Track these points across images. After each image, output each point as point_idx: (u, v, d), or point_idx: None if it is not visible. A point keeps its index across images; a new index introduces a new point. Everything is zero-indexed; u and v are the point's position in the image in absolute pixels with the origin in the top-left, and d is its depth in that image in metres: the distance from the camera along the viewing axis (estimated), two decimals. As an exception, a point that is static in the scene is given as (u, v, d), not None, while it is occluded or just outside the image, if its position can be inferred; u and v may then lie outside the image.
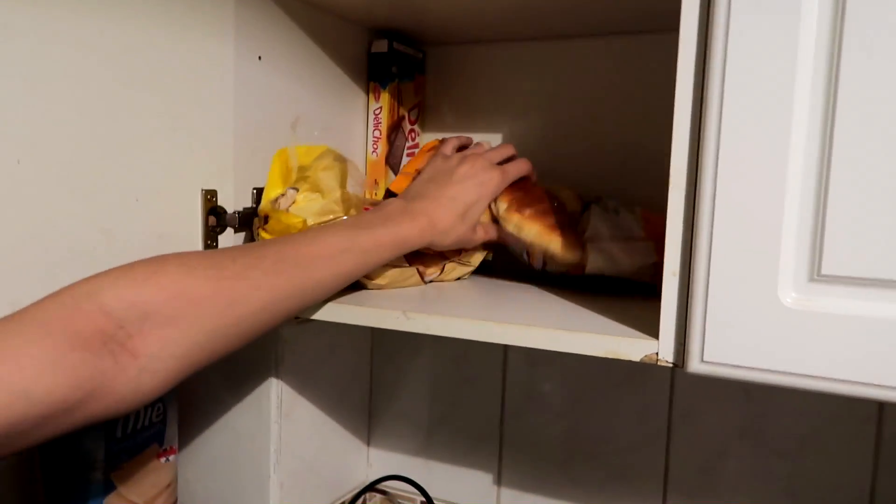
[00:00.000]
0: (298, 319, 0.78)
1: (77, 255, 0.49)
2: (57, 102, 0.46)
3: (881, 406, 0.68)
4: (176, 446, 0.80)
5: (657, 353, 0.45)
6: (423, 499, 0.90)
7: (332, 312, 0.57)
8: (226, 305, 0.43)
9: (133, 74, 0.50)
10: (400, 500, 0.95)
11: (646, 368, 0.78)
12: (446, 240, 0.61)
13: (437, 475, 0.91)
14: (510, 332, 0.49)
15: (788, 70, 0.39)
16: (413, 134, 0.84)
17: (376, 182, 0.80)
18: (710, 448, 0.76)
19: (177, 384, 0.45)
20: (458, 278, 0.74)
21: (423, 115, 0.87)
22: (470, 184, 0.62)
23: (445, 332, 0.51)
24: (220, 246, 0.60)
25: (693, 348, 0.43)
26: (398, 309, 0.54)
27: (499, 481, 0.88)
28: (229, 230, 0.60)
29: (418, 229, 0.58)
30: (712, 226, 0.42)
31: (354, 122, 0.80)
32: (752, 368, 0.41)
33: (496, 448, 0.88)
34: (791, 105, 0.39)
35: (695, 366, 0.43)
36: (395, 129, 0.81)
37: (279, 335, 0.77)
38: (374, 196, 0.80)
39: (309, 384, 0.82)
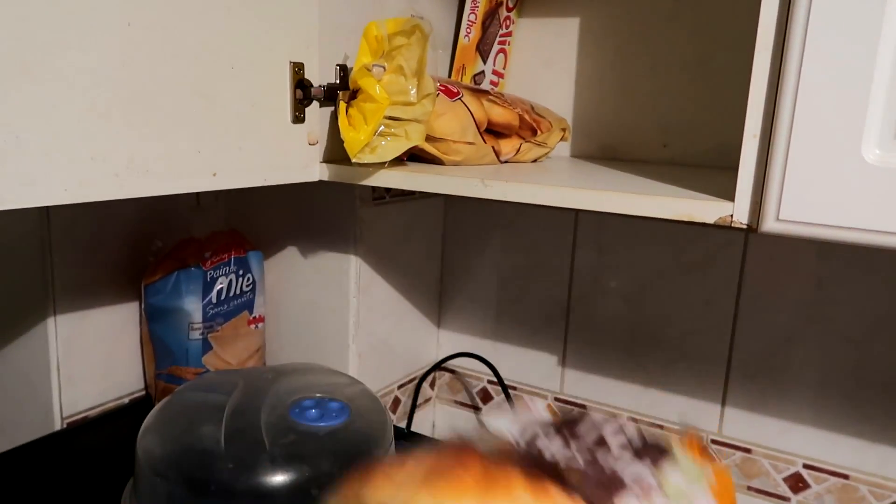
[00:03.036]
0: (375, 198, 0.82)
1: (183, 119, 0.53)
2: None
3: (959, 293, 0.67)
4: (264, 315, 0.86)
5: (731, 215, 0.46)
6: (491, 378, 0.95)
7: (412, 181, 0.60)
8: None
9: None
10: (467, 379, 1.00)
11: (715, 256, 0.79)
12: None
13: (503, 357, 0.96)
14: (586, 197, 0.51)
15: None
16: (508, 21, 0.83)
17: (464, 68, 0.80)
18: (776, 334, 0.77)
19: None
20: (535, 160, 0.76)
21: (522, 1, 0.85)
22: None
23: (521, 198, 0.53)
24: (306, 119, 0.63)
25: (769, 208, 0.44)
26: (476, 177, 0.56)
27: (563, 363, 0.92)
28: (315, 103, 0.63)
29: None
30: (798, 84, 0.42)
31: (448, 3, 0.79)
32: (829, 226, 0.42)
33: (562, 332, 0.91)
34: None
35: (769, 224, 0.44)
36: (491, 14, 0.80)
37: (357, 215, 0.81)
38: (460, 79, 0.80)
39: (385, 263, 0.87)
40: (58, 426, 0.77)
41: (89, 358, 0.78)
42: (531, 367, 0.94)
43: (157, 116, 0.51)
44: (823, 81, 0.41)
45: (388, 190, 0.84)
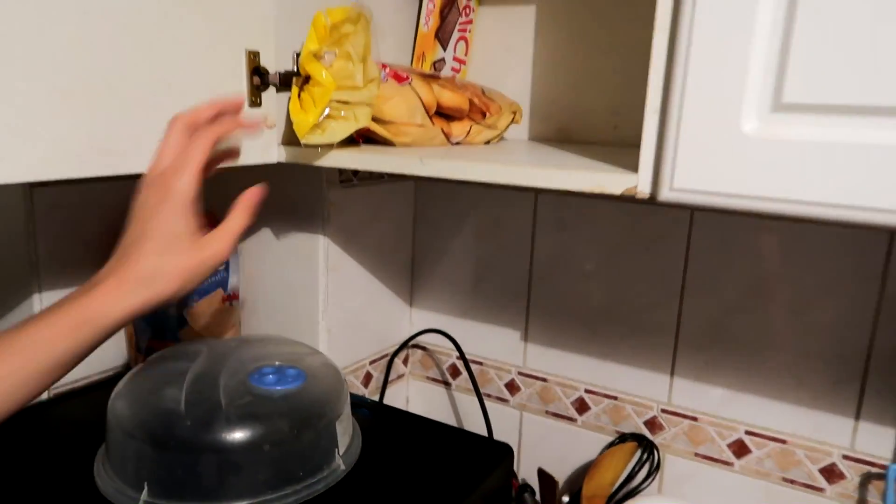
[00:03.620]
0: (342, 181, 0.86)
1: (142, 102, 0.57)
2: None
3: (886, 265, 0.71)
4: (239, 293, 0.91)
5: (636, 186, 0.50)
6: (458, 354, 1.00)
7: (357, 160, 0.64)
8: None
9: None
10: (438, 356, 1.05)
11: (663, 233, 0.82)
12: (166, 287, 0.50)
13: (470, 333, 1.00)
14: (508, 172, 0.55)
15: None
16: (468, 10, 0.87)
17: (424, 55, 0.84)
18: (720, 306, 0.81)
19: None
20: (487, 142, 0.80)
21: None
22: (147, 210, 0.51)
23: (453, 175, 0.58)
24: (263, 105, 0.67)
25: (664, 178, 0.48)
26: (415, 157, 0.60)
27: (525, 338, 0.96)
28: (272, 89, 0.67)
29: (102, 295, 0.48)
30: (686, 62, 0.45)
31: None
32: (714, 193, 0.46)
33: (524, 308, 0.95)
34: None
35: (664, 194, 0.48)
36: (450, 3, 0.84)
37: (325, 197, 0.85)
38: (420, 66, 0.85)
39: (354, 243, 0.91)
40: (44, 396, 0.82)
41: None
42: (496, 343, 0.99)
43: (117, 100, 0.55)
44: (706, 60, 0.45)
45: (355, 173, 0.89)
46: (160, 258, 0.49)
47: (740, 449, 0.81)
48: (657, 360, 0.86)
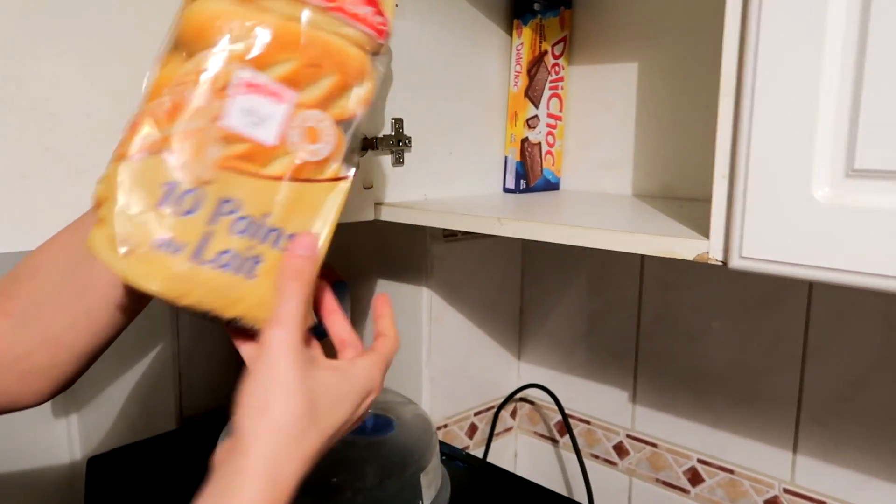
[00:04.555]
0: (446, 235, 0.89)
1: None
2: None
3: None
4: (349, 340, 0.96)
5: (708, 252, 0.48)
6: (567, 411, 0.98)
7: (438, 219, 0.67)
8: None
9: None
10: (546, 411, 1.03)
11: (780, 294, 0.76)
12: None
13: (577, 390, 0.98)
14: (578, 235, 0.55)
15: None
16: (557, 68, 0.89)
17: (516, 114, 0.86)
18: (848, 376, 0.73)
19: None
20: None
21: (570, 48, 0.90)
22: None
23: (528, 236, 0.58)
24: (360, 167, 0.72)
25: (734, 245, 0.45)
26: (493, 216, 0.62)
27: (634, 399, 0.92)
28: (368, 152, 0.72)
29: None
30: (751, 125, 0.43)
31: (491, 57, 0.87)
32: (786, 263, 0.43)
33: (632, 368, 0.92)
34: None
35: (735, 262, 0.45)
36: (536, 63, 0.86)
37: (429, 251, 0.89)
38: (514, 125, 0.86)
39: (457, 296, 0.94)
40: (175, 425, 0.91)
41: (204, 369, 0.93)
42: (604, 402, 0.96)
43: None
44: (773, 124, 0.42)
45: (459, 228, 0.92)
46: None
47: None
48: (777, 432, 0.79)
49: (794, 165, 0.42)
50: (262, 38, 0.42)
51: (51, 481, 0.85)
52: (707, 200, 0.81)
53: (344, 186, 0.47)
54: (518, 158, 0.87)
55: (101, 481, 0.82)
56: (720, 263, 0.48)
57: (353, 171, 0.47)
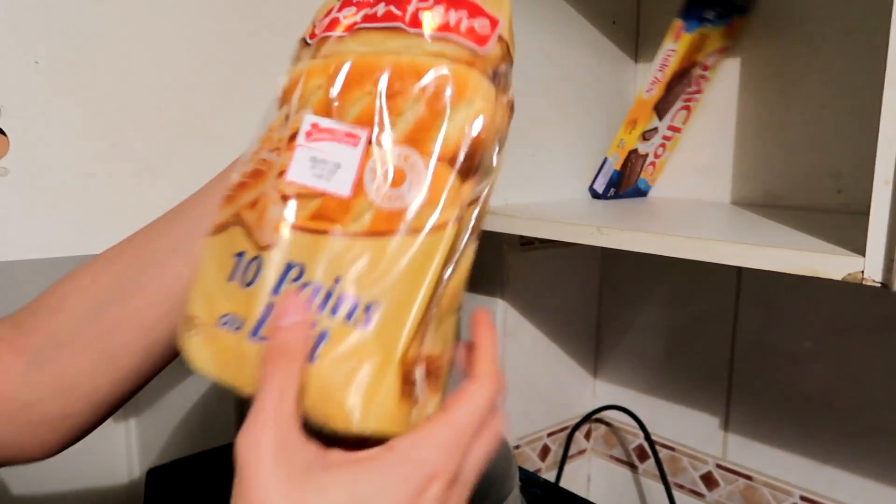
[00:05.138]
0: (523, 244, 0.83)
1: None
2: None
3: None
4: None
5: (862, 271, 0.41)
6: (644, 435, 0.90)
7: (530, 227, 0.61)
8: None
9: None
10: (624, 434, 0.96)
11: (906, 317, 0.68)
12: None
13: (662, 414, 0.90)
14: (699, 248, 0.48)
15: None
16: (701, 80, 0.78)
17: (635, 122, 0.77)
18: None
19: None
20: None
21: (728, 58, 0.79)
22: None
23: (633, 248, 0.52)
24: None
25: (902, 264, 0.38)
26: (593, 226, 0.56)
27: (726, 426, 0.84)
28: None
29: None
30: (932, 122, 0.36)
31: (587, 54, 0.80)
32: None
33: (724, 392, 0.84)
34: None
35: (903, 284, 0.38)
36: (681, 75, 0.76)
37: (505, 261, 0.83)
38: (629, 133, 0.78)
39: (533, 309, 0.87)
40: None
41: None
42: (691, 428, 0.88)
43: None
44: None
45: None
46: None
47: None
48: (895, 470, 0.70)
49: None
50: (337, 78, 0.36)
51: (109, 491, 0.83)
52: (822, 210, 0.73)
53: (445, 237, 0.33)
54: (617, 167, 0.78)
55: (161, 493, 0.78)
56: (878, 285, 0.40)
57: (468, 215, 0.35)
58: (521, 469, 0.84)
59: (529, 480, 0.80)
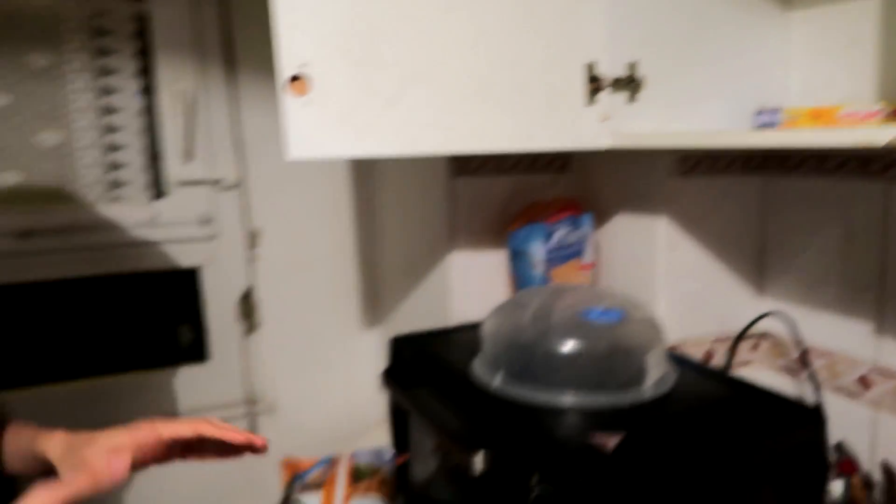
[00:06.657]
0: (683, 172, 0.99)
1: (507, 103, 0.83)
2: None
3: None
4: (593, 263, 1.11)
5: None
6: (808, 344, 1.00)
7: (675, 140, 0.78)
8: None
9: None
10: (785, 346, 1.06)
11: None
12: None
13: (820, 324, 0.99)
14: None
15: None
16: None
17: None
18: None
19: None
20: None
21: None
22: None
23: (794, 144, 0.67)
24: (599, 102, 0.86)
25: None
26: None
27: (880, 330, 0.92)
28: (608, 90, 0.86)
29: None
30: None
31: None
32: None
33: (877, 300, 0.92)
34: None
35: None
36: None
37: (665, 185, 0.99)
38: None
39: (692, 229, 1.02)
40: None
41: (474, 283, 1.15)
42: (847, 335, 0.96)
43: (491, 102, 0.82)
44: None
45: (696, 163, 1.00)
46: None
47: None
48: None
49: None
50: None
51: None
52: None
53: None
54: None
55: (401, 358, 1.06)
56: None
57: None
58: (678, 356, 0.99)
59: (683, 360, 0.94)
